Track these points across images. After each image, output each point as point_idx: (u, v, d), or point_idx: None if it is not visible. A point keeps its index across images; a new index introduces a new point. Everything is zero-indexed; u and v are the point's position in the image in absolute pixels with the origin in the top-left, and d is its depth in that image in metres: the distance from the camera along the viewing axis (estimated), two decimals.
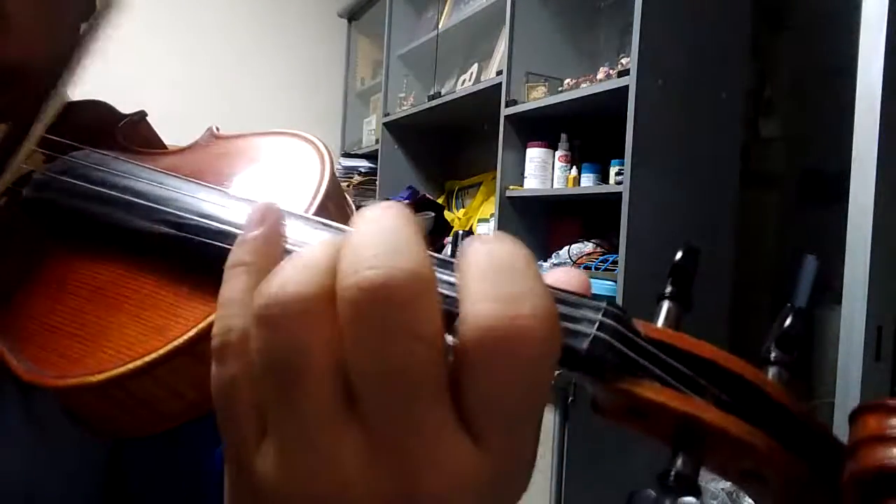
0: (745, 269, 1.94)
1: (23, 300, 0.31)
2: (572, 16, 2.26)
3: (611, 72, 1.89)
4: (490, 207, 2.59)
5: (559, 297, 0.22)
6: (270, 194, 0.32)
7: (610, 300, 0.22)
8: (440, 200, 3.07)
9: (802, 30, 2.03)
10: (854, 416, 0.21)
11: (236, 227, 0.27)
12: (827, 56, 1.89)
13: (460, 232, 2.05)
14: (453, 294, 0.20)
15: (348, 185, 3.46)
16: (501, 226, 2.21)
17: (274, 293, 0.20)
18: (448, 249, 2.14)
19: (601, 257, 1.91)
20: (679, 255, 0.25)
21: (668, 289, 0.25)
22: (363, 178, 3.42)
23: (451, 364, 0.19)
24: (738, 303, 1.90)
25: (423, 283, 0.19)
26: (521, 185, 2.18)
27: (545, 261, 2.13)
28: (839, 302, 1.23)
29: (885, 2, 1.17)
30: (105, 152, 0.38)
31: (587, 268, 1.91)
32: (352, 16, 3.77)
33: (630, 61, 1.71)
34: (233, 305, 0.22)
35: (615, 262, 1.77)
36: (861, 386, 1.17)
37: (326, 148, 0.34)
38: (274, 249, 0.24)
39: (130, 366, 0.26)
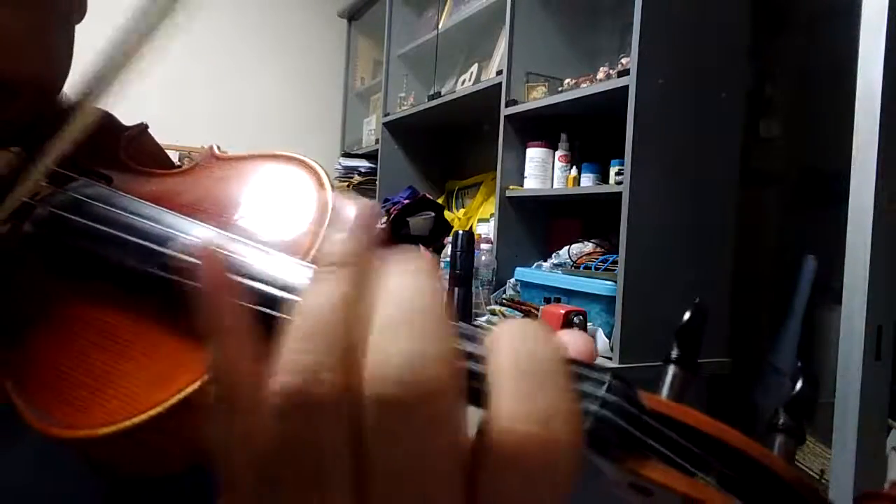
0: (745, 269, 1.94)
1: (32, 338, 0.31)
2: (572, 16, 2.26)
3: (611, 72, 1.89)
4: (490, 207, 2.59)
5: None
6: (271, 230, 0.32)
7: (615, 372, 0.22)
8: (440, 200, 3.07)
9: (802, 30, 2.03)
10: (859, 502, 0.21)
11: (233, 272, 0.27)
12: (827, 56, 1.89)
13: (460, 232, 2.04)
14: (477, 369, 0.20)
15: (348, 186, 3.46)
16: (501, 226, 2.21)
17: (297, 386, 0.19)
18: (448, 249, 2.14)
19: (601, 257, 1.91)
20: (686, 315, 0.24)
21: (675, 352, 0.24)
22: (363, 178, 3.42)
23: (469, 458, 0.19)
24: (738, 303, 1.90)
25: (450, 381, 0.18)
26: (521, 185, 2.18)
27: (545, 261, 2.13)
28: (839, 302, 1.23)
29: (885, 2, 1.17)
30: (105, 173, 0.38)
31: (587, 268, 1.91)
32: (352, 16, 3.77)
33: (630, 61, 1.71)
34: (221, 374, 0.21)
35: (615, 262, 1.77)
36: (861, 386, 1.17)
37: (326, 173, 0.34)
38: (237, 308, 0.22)
39: (136, 420, 0.26)
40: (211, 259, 0.22)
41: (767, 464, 0.21)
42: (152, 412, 0.26)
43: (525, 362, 0.19)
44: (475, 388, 0.20)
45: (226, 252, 0.27)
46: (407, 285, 0.20)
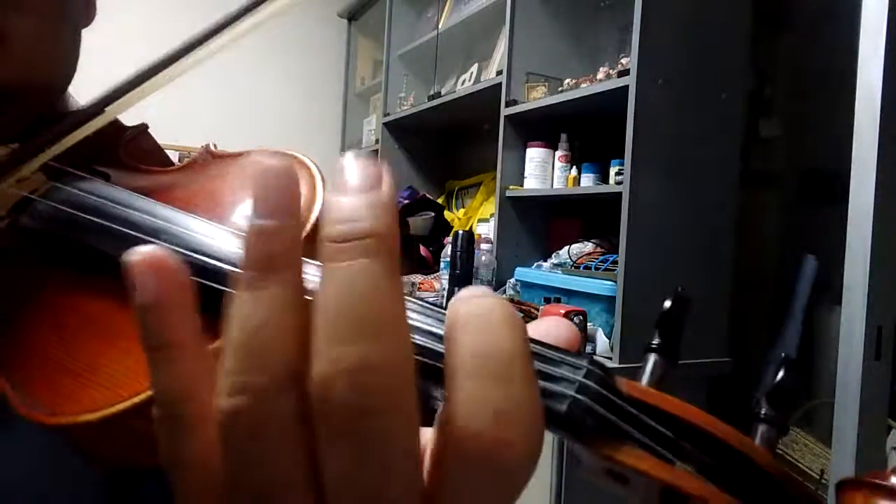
0: (745, 269, 1.94)
1: (21, 327, 0.31)
2: (572, 16, 2.26)
3: (611, 72, 1.89)
4: (490, 207, 2.59)
5: (539, 352, 0.22)
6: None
7: (592, 358, 0.22)
8: (440, 200, 3.07)
9: (802, 30, 2.03)
10: (841, 489, 0.21)
11: (224, 263, 0.27)
12: (827, 56, 1.89)
13: (460, 232, 2.05)
14: (439, 348, 0.20)
15: None
16: (501, 226, 2.21)
17: (241, 407, 0.17)
18: (448, 249, 2.14)
19: (601, 257, 1.91)
20: (667, 304, 0.24)
21: (656, 340, 0.24)
22: None
23: (428, 458, 0.19)
24: (739, 303, 1.90)
25: (403, 382, 0.17)
26: (521, 185, 2.18)
27: (545, 261, 2.13)
28: (839, 302, 1.23)
29: (885, 2, 1.17)
30: (104, 171, 0.38)
31: (587, 268, 1.91)
32: (352, 16, 3.77)
33: (630, 61, 1.71)
34: (168, 394, 0.20)
35: (615, 262, 1.77)
36: (861, 386, 1.17)
37: (320, 171, 0.34)
38: (190, 316, 0.20)
39: (120, 406, 0.26)
40: (162, 268, 0.20)
41: (748, 452, 0.21)
42: (136, 399, 0.26)
43: (481, 359, 0.18)
44: (435, 367, 0.20)
45: (183, 259, 0.28)
46: (353, 280, 0.17)
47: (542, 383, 0.21)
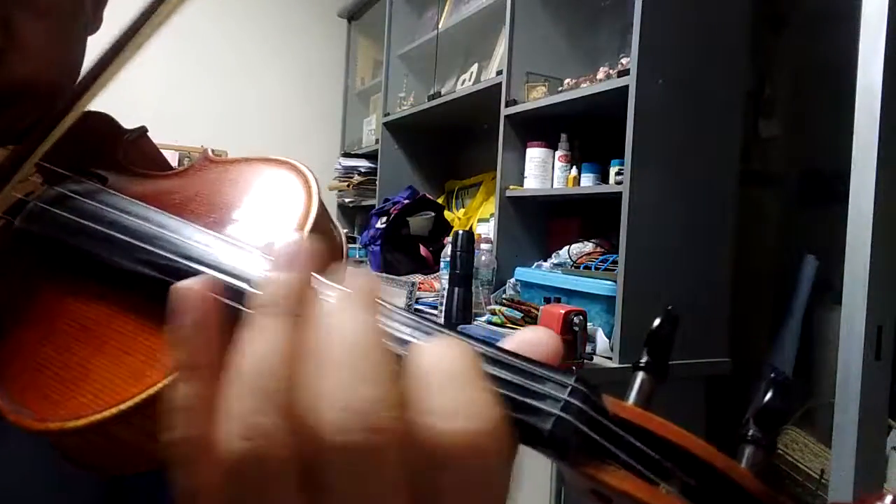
0: (745, 269, 1.94)
1: (12, 331, 0.31)
2: (572, 16, 2.26)
3: (611, 72, 1.89)
4: (490, 207, 2.59)
5: (524, 369, 0.22)
6: (257, 229, 0.32)
7: (578, 375, 0.22)
8: (440, 200, 3.07)
9: (802, 30, 2.03)
10: None
11: (218, 272, 0.27)
12: (827, 56, 1.89)
13: (460, 232, 2.04)
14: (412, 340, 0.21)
15: (348, 186, 3.46)
16: (501, 226, 2.21)
17: (249, 450, 0.19)
18: (448, 249, 2.13)
19: (601, 257, 1.91)
20: (656, 323, 0.25)
21: (644, 359, 0.24)
22: (363, 178, 3.42)
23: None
24: (738, 303, 1.90)
25: (393, 422, 0.19)
26: (521, 185, 2.18)
27: (545, 261, 2.13)
28: (839, 302, 1.23)
29: (885, 2, 1.17)
30: (102, 174, 0.38)
31: (587, 268, 1.91)
32: (352, 16, 3.77)
33: (630, 61, 1.71)
34: (186, 415, 0.21)
35: (615, 262, 1.77)
36: (861, 386, 1.17)
37: (315, 177, 0.34)
38: (216, 342, 0.22)
39: (106, 413, 0.26)
40: (201, 300, 0.22)
41: (731, 474, 0.21)
42: (122, 407, 0.26)
43: (436, 369, 0.20)
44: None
45: (175, 266, 0.27)
46: (346, 324, 0.20)
47: (526, 400, 0.21)
